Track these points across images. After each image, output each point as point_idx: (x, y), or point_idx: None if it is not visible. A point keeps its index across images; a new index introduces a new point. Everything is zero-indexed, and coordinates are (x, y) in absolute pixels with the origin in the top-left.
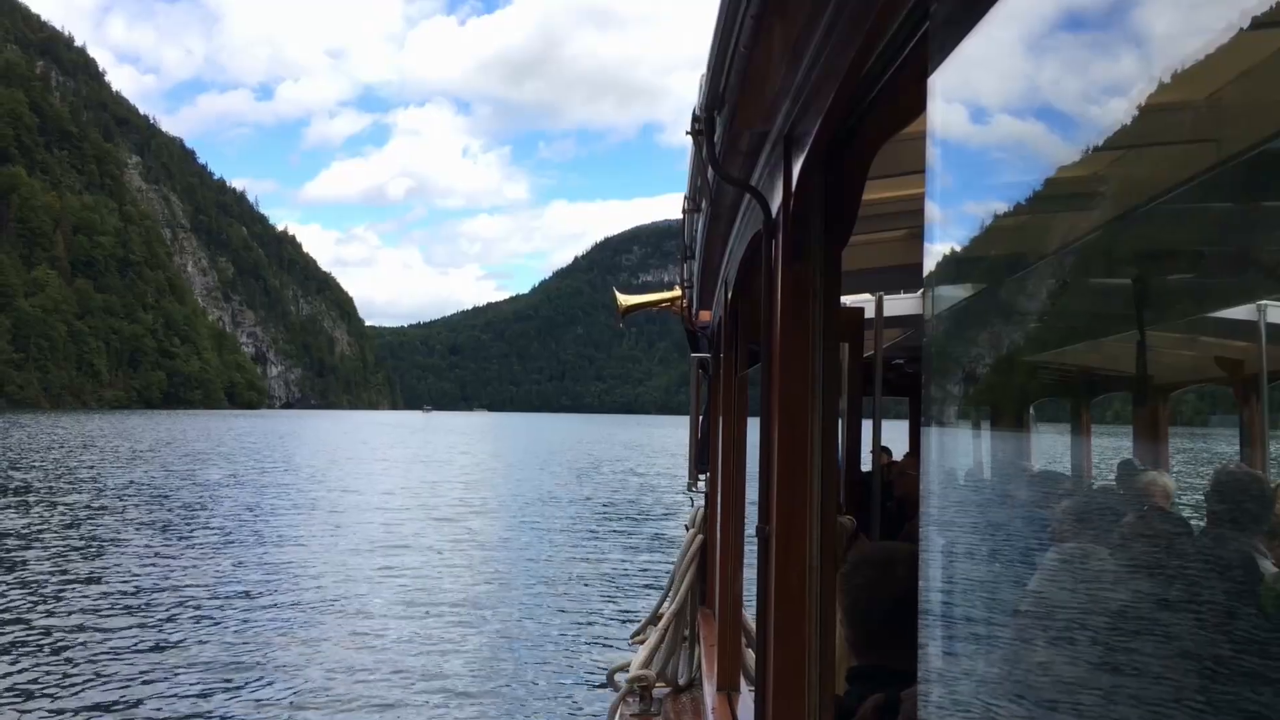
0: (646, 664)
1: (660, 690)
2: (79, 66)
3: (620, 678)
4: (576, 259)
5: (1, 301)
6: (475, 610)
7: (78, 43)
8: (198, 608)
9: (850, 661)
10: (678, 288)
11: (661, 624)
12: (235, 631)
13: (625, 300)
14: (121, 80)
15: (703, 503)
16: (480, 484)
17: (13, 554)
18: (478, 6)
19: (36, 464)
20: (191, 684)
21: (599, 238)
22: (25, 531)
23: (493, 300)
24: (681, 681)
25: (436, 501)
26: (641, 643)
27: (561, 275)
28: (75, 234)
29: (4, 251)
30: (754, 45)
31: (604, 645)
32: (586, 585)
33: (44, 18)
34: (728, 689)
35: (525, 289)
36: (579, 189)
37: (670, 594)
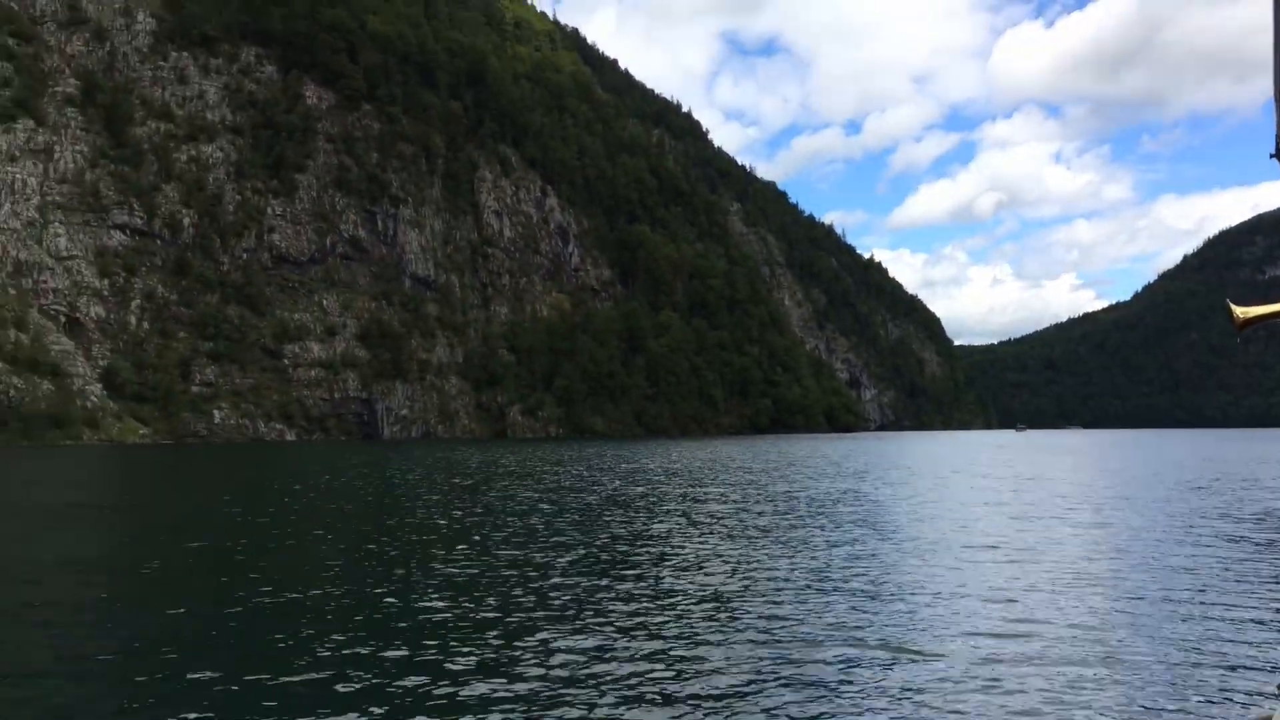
0: None
1: None
2: (686, 130)
3: None
4: (1186, 258)
5: (638, 344)
6: (1096, 633)
7: (684, 109)
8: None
9: None
10: None
11: None
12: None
13: (1243, 312)
14: (728, 135)
15: None
16: (1094, 501)
17: (710, 541)
18: (1068, 4)
19: (704, 479)
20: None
21: (1213, 232)
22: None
23: (1090, 310)
24: None
25: (1051, 517)
26: None
27: (1169, 277)
28: (690, 279)
29: (637, 300)
30: None
31: (1238, 695)
32: (1215, 622)
33: (657, 91)
34: None
35: (1126, 295)
36: (1190, 180)
37: None
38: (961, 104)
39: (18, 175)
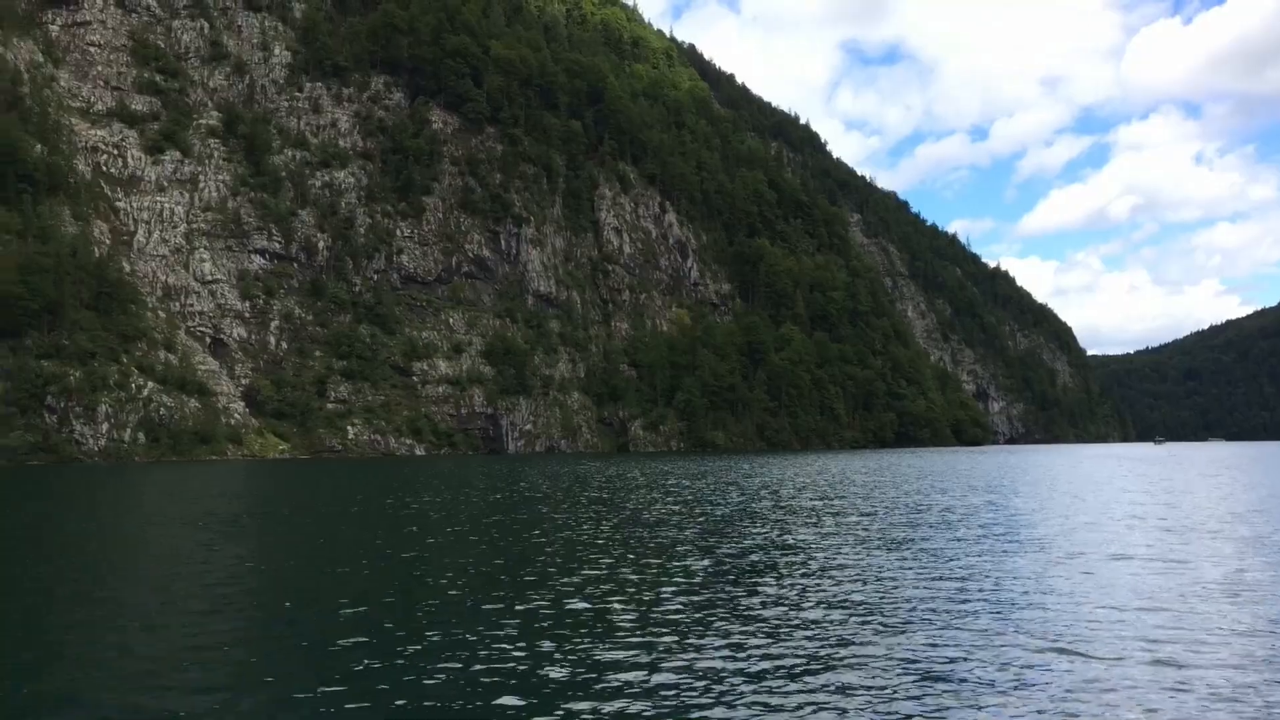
0: None
1: None
2: (805, 142)
3: None
4: None
5: (758, 357)
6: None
7: (802, 120)
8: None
9: None
10: None
11: None
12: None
13: None
14: (849, 145)
15: None
16: (1255, 514)
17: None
18: (1206, 0)
19: (830, 491)
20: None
21: None
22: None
23: (1234, 317)
24: None
25: (1209, 530)
26: None
27: None
28: (811, 292)
29: (757, 314)
30: None
31: None
32: None
33: (775, 104)
34: None
35: (1273, 301)
36: None
37: None
38: (1094, 106)
39: (165, 204)
